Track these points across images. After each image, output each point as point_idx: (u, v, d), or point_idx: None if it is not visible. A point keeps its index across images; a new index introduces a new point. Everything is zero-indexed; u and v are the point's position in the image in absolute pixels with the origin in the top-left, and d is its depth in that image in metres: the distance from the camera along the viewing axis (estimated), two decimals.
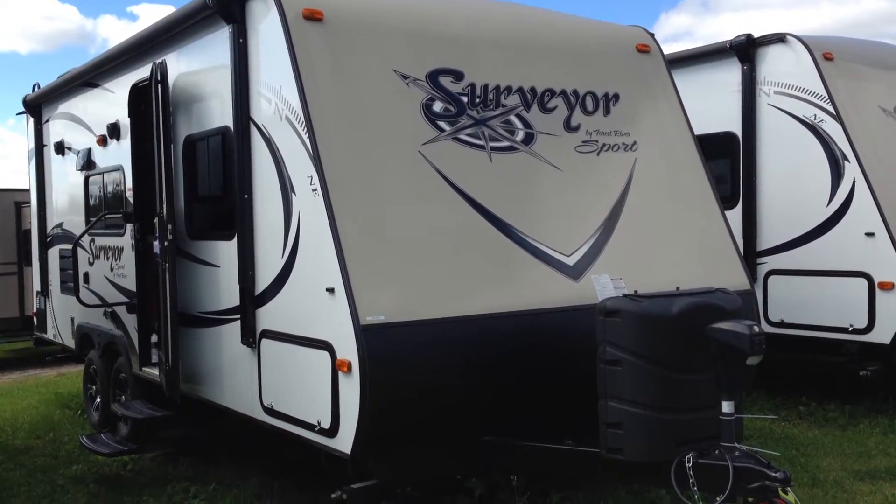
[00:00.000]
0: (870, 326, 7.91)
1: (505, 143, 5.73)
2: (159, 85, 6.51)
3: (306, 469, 6.31)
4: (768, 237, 8.84)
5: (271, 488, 6.41)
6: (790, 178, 8.67)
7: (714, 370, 4.44)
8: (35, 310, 10.62)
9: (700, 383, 4.51)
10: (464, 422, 5.19)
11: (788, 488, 4.61)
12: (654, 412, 4.51)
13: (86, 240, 8.46)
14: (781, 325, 8.56)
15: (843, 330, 8.10)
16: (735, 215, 8.77)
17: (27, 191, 10.94)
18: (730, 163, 9.19)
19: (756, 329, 4.32)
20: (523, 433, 5.28)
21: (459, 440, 5.24)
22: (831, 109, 8.31)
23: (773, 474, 4.25)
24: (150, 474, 7.14)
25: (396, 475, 5.17)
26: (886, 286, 7.81)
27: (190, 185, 6.64)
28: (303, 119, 5.10)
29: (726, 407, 4.40)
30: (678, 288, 5.05)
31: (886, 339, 7.82)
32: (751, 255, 8.81)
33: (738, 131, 9.08)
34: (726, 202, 8.29)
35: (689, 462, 4.41)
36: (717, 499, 4.36)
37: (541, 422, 5.37)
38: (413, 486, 5.42)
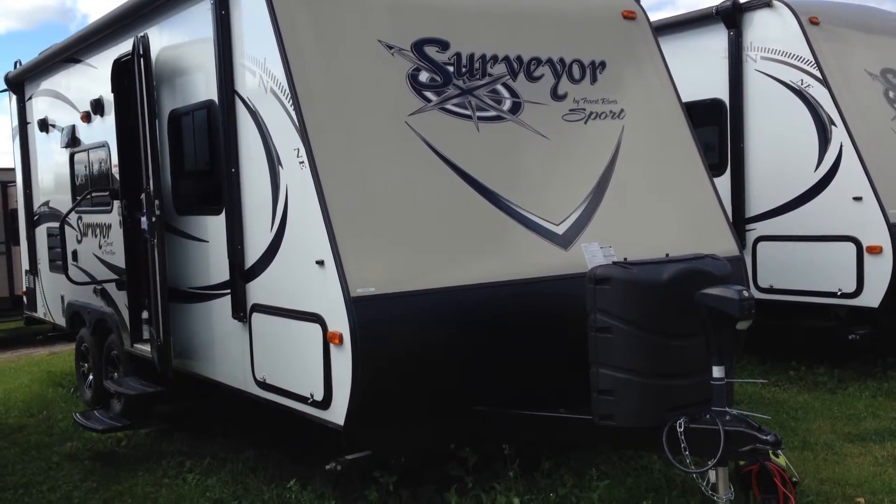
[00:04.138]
0: (858, 290, 7.95)
1: (492, 113, 5.70)
2: (142, 59, 6.45)
3: (300, 441, 6.34)
4: (756, 204, 8.86)
5: (266, 461, 6.43)
6: (778, 143, 8.67)
7: (704, 336, 4.46)
8: (24, 289, 10.59)
9: (690, 349, 4.54)
10: (456, 392, 5.21)
11: (779, 451, 4.66)
12: (644, 378, 4.54)
13: (73, 217, 8.41)
14: (770, 290, 8.60)
15: (832, 294, 8.14)
16: (723, 182, 8.78)
17: (13, 170, 10.86)
18: (717, 130, 9.18)
19: (745, 294, 4.35)
20: (515, 402, 5.31)
21: (452, 410, 5.26)
22: (818, 74, 8.30)
23: (764, 437, 4.29)
24: (144, 450, 7.15)
25: (390, 445, 5.21)
26: (874, 250, 7.85)
27: (176, 160, 6.59)
28: (288, 91, 5.06)
29: (717, 372, 4.43)
30: (668, 255, 5.07)
31: (875, 303, 7.87)
32: (739, 222, 8.82)
33: (726, 98, 9.05)
34: (714, 169, 8.28)
35: (680, 427, 4.44)
36: (709, 462, 4.41)
37: (533, 390, 5.40)
38: (406, 456, 5.45)
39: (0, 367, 11.55)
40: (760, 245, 8.76)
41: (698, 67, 9.19)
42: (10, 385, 10.00)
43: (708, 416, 4.44)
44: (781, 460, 5.04)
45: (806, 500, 5.31)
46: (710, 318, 4.42)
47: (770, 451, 4.49)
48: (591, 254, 5.56)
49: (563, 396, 5.27)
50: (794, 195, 8.49)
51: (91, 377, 8.48)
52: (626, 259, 5.04)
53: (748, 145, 8.93)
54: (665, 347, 4.55)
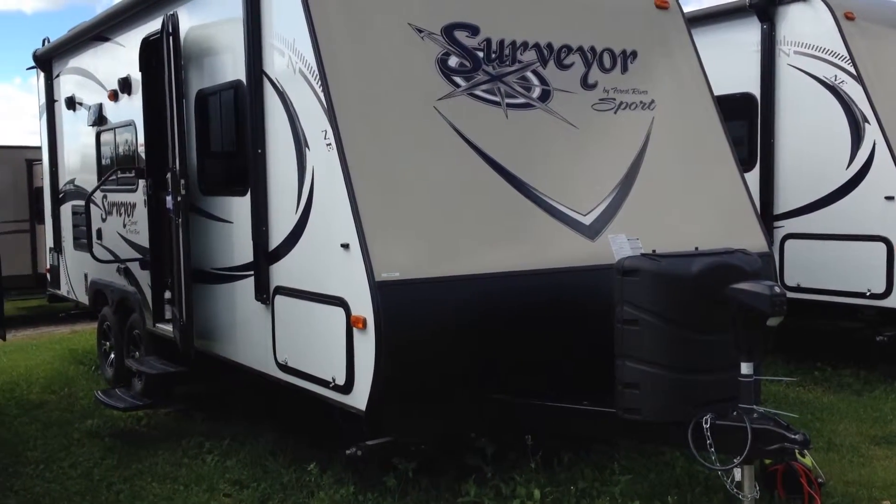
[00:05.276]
0: (888, 291, 7.82)
1: (521, 100, 5.63)
2: (171, 38, 6.42)
3: (320, 426, 6.32)
4: (786, 200, 8.73)
5: (285, 444, 6.42)
6: (809, 140, 8.53)
7: (733, 331, 4.38)
8: (48, 266, 10.65)
9: (719, 344, 4.46)
10: (478, 380, 5.16)
11: (806, 451, 4.58)
12: (671, 372, 4.47)
13: (98, 196, 8.43)
14: (798, 289, 8.48)
15: (861, 295, 8.02)
16: (752, 178, 8.65)
17: (38, 148, 10.90)
18: (747, 124, 9.05)
19: (777, 290, 4.27)
20: (539, 392, 5.26)
21: (474, 398, 5.21)
22: (852, 70, 8.16)
23: (793, 436, 4.21)
24: (164, 429, 7.17)
25: (410, 432, 5.17)
26: None
27: (202, 141, 6.57)
28: (317, 72, 5.01)
29: (745, 368, 4.36)
30: (696, 248, 4.99)
31: None
32: (768, 219, 8.70)
33: (757, 92, 8.93)
34: (743, 164, 8.13)
35: (706, 423, 4.38)
36: (735, 460, 4.34)
37: (556, 381, 5.35)
38: (426, 443, 5.41)
39: (22, 343, 11.63)
40: (789, 243, 8.64)
41: (729, 61, 9.05)
42: (33, 362, 10.06)
43: (735, 414, 4.36)
44: (807, 461, 4.97)
45: (831, 501, 5.23)
46: (740, 313, 4.34)
47: (797, 451, 4.41)
48: (618, 245, 5.48)
49: (586, 388, 5.21)
50: (824, 193, 8.36)
51: (112, 356, 8.51)
52: (654, 251, 4.97)
53: (778, 141, 8.80)
54: (693, 342, 4.47)
